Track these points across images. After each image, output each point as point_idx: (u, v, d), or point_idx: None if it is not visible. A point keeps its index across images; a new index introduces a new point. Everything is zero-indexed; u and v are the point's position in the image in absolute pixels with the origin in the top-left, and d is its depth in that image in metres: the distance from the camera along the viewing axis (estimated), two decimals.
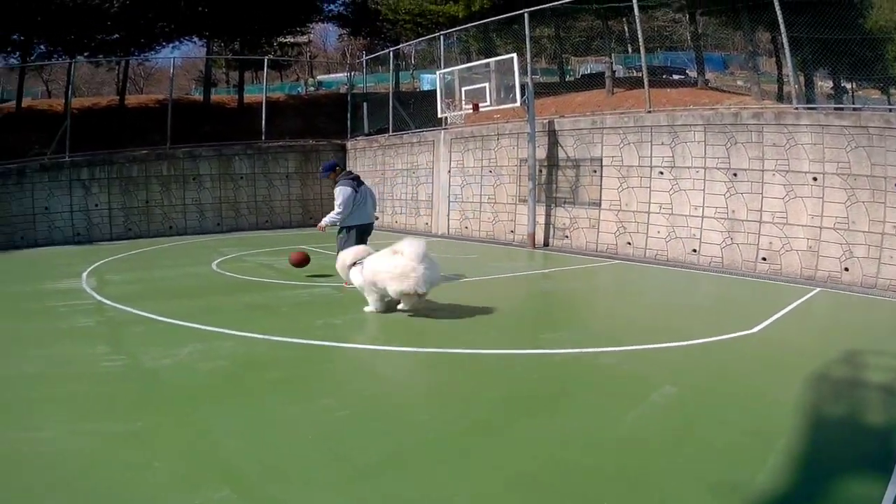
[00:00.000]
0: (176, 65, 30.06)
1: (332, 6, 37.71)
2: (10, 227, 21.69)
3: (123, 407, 5.89)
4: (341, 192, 11.10)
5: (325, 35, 58.72)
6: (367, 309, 9.33)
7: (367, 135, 25.66)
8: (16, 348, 8.18)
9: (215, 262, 15.42)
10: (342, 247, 10.96)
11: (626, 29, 24.93)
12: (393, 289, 8.73)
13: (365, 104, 26.88)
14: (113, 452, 4.87)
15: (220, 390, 6.38)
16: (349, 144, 26.01)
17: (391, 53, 28.09)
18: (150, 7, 29.73)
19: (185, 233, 23.03)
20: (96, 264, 15.91)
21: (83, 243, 21.92)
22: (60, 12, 27.94)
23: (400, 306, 9.15)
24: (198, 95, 43.49)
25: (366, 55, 31.60)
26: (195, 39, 37.65)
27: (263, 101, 26.56)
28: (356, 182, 11.37)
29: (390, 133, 23.99)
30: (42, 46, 34.03)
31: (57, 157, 22.88)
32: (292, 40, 39.65)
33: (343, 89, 39.47)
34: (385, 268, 8.82)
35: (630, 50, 26.54)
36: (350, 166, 24.24)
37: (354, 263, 9.42)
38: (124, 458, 4.74)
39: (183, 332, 8.70)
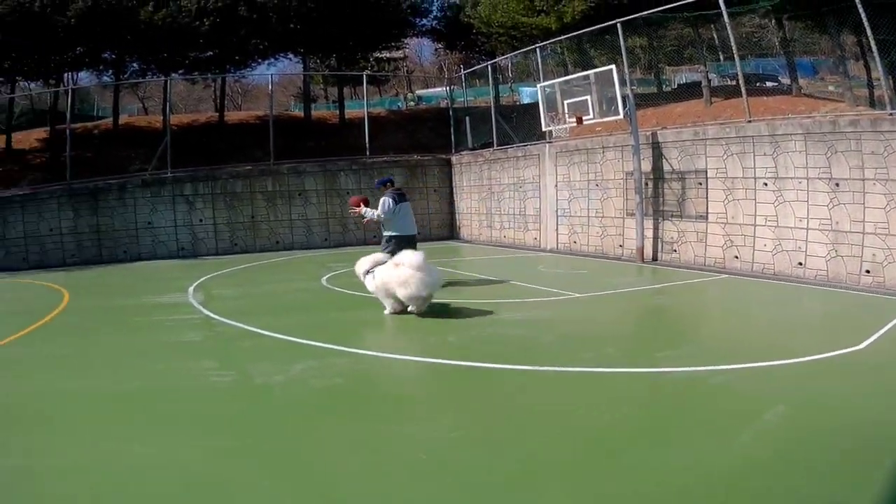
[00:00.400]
0: (273, 81, 30.64)
1: (424, 21, 38.35)
2: (112, 242, 23.08)
3: (232, 423, 6.21)
4: (383, 202, 13.36)
5: (420, 49, 59.37)
6: (385, 312, 11.09)
7: (471, 149, 26.40)
8: (123, 362, 8.78)
9: (325, 277, 16.00)
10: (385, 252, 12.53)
11: (716, 36, 24.70)
12: (401, 294, 10.57)
13: (467, 118, 27.44)
14: (220, 469, 5.14)
15: (334, 408, 6.64)
16: (454, 159, 26.97)
17: (489, 67, 28.50)
18: (242, 25, 31.17)
19: (292, 248, 24.10)
20: (202, 279, 16.82)
21: (188, 258, 23.11)
22: (150, 31, 29.56)
23: (410, 309, 10.85)
24: (297, 111, 44.44)
25: (463, 69, 32.30)
26: (290, 56, 39.03)
27: (365, 117, 27.55)
28: (400, 196, 13.76)
29: (495, 147, 24.59)
30: (135, 64, 35.76)
31: (159, 173, 24.19)
32: (388, 55, 40.25)
33: (443, 104, 40.22)
34: (391, 277, 10.62)
35: (721, 58, 26.28)
36: (456, 181, 26.51)
37: (368, 271, 11.16)
38: (231, 476, 4.99)
39: (295, 348, 9.09)
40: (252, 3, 30.74)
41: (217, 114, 39.40)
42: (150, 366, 8.41)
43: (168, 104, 30.37)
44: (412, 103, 48.44)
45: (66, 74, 37.60)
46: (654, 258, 17.04)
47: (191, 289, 14.95)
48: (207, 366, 8.30)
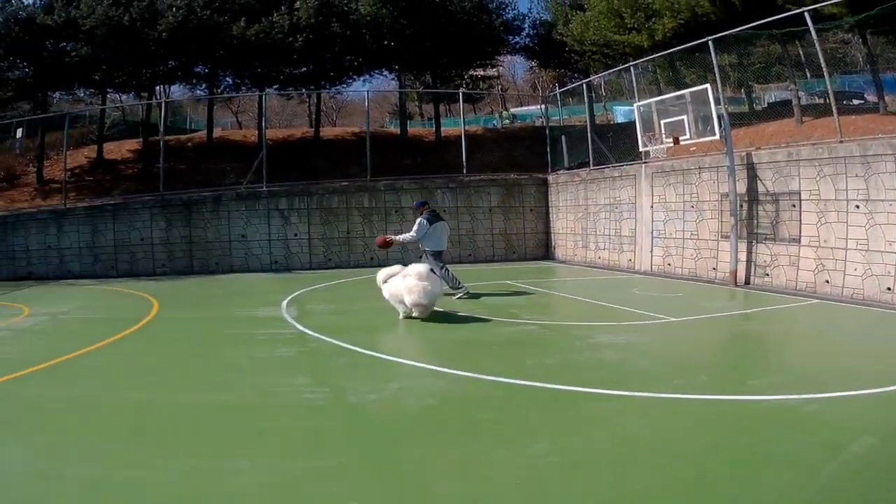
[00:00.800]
0: (369, 98, 31.13)
1: (517, 38, 39.03)
2: (204, 253, 24.28)
3: (324, 442, 6.29)
4: (419, 222, 15.71)
5: (513, 68, 59.74)
6: (400, 316, 12.86)
7: (567, 169, 27.00)
8: (213, 375, 9.14)
9: None
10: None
11: (801, 53, 24.50)
12: (407, 300, 12.28)
13: (563, 137, 28.18)
14: (310, 489, 5.23)
15: (428, 429, 6.66)
16: (550, 178, 27.55)
17: (585, 85, 29.23)
18: (335, 41, 32.29)
19: (386, 264, 23.26)
20: (296, 293, 17.36)
21: (281, 271, 24.11)
22: (243, 47, 30.86)
23: (414, 314, 12.40)
24: (393, 128, 44.90)
25: (557, 87, 32.74)
26: (385, 72, 40.05)
27: (462, 135, 28.17)
28: (434, 217, 16.15)
29: (591, 167, 24.90)
30: (228, 78, 37.11)
31: (254, 187, 25.27)
32: (483, 73, 40.32)
33: (537, 122, 40.60)
34: (401, 286, 12.43)
35: (808, 75, 26.04)
36: (552, 201, 27.10)
37: (385, 281, 13.04)
38: (322, 497, 5.09)
39: (390, 366, 9.31)
40: (345, 20, 31.93)
41: (312, 129, 40.62)
42: (242, 380, 8.71)
43: (263, 119, 31.46)
44: (507, 121, 48.93)
45: (158, 87, 39.49)
46: (747, 282, 17.06)
47: (284, 303, 15.44)
48: (301, 382, 8.47)
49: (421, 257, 16.01)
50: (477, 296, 16.22)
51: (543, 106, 34.32)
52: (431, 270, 12.85)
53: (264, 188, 25.06)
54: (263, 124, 31.04)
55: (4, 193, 31.96)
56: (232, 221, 24.43)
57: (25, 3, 31.93)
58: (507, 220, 26.48)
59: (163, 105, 32.49)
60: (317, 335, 11.45)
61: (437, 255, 16.07)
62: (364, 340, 10.72)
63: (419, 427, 6.71)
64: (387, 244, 16.82)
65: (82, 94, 41.63)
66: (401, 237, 16.15)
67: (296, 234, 24.78)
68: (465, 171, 27.04)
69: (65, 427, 6.93)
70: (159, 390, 8.32)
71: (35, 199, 30.35)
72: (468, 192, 26.09)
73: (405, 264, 13.07)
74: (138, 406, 7.59)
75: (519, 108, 54.94)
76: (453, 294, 15.72)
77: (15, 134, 41.44)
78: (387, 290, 12.99)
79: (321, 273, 22.46)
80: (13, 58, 32.37)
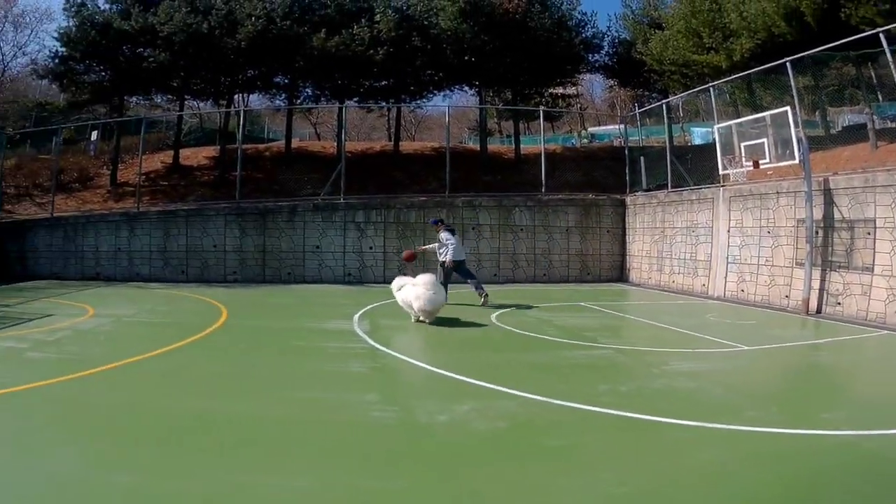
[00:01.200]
0: (450, 113, 31.35)
1: (597, 56, 39.18)
2: (278, 263, 24.96)
3: (391, 462, 6.22)
4: (445, 236, 17.92)
5: (591, 86, 59.88)
6: (412, 320, 14.81)
7: (645, 190, 27.23)
8: (280, 387, 9.14)
9: (494, 314, 16.38)
10: (441, 276, 17.17)
11: (874, 75, 24.31)
12: (415, 306, 14.28)
13: (642, 158, 28.39)
14: None
15: (495, 453, 6.51)
16: (628, 200, 27.68)
17: (664, 106, 29.64)
18: (416, 56, 32.98)
19: (460, 281, 23.80)
20: (369, 307, 17.67)
21: (353, 284, 24.81)
22: (323, 58, 31.55)
23: (421, 318, 14.47)
24: (472, 144, 45.45)
25: (637, 107, 33.07)
26: (465, 88, 40.78)
27: (542, 153, 28.43)
28: (451, 232, 18.32)
29: (669, 189, 25.14)
30: (308, 89, 37.95)
31: (331, 199, 25.89)
32: (562, 91, 40.41)
33: (616, 142, 40.69)
34: (411, 293, 14.42)
35: (880, 98, 25.80)
36: (629, 222, 27.11)
37: (399, 289, 15.01)
38: None
39: (461, 387, 9.11)
40: (426, 34, 32.64)
41: (391, 143, 41.38)
42: (310, 394, 8.71)
43: (343, 130, 32.29)
44: (585, 140, 49.25)
45: (237, 96, 40.94)
46: (818, 310, 16.98)
47: (356, 316, 15.67)
48: (370, 399, 8.39)
49: (441, 265, 18.20)
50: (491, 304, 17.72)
51: (622, 126, 34.49)
52: (439, 282, 15.30)
53: (342, 200, 25.66)
54: (343, 136, 31.79)
55: (77, 194, 33.30)
56: (307, 232, 25.18)
57: (101, 7, 33.49)
58: (584, 240, 26.60)
59: (241, 113, 33.42)
60: (388, 351, 11.61)
61: (460, 265, 18.26)
62: (436, 359, 11.01)
63: (488, 451, 6.59)
64: (413, 258, 18.87)
65: (159, 100, 43.01)
66: (430, 246, 19.16)
67: (371, 247, 25.23)
68: (543, 190, 27.27)
69: (117, 432, 7.03)
70: (220, 400, 8.41)
71: (107, 202, 31.70)
72: (546, 212, 26.34)
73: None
74: (196, 415, 7.69)
75: (597, 128, 55.69)
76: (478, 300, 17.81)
77: (90, 136, 42.84)
78: (400, 297, 15.02)
79: (386, 287, 21.99)
80: (90, 61, 33.67)
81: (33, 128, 40.83)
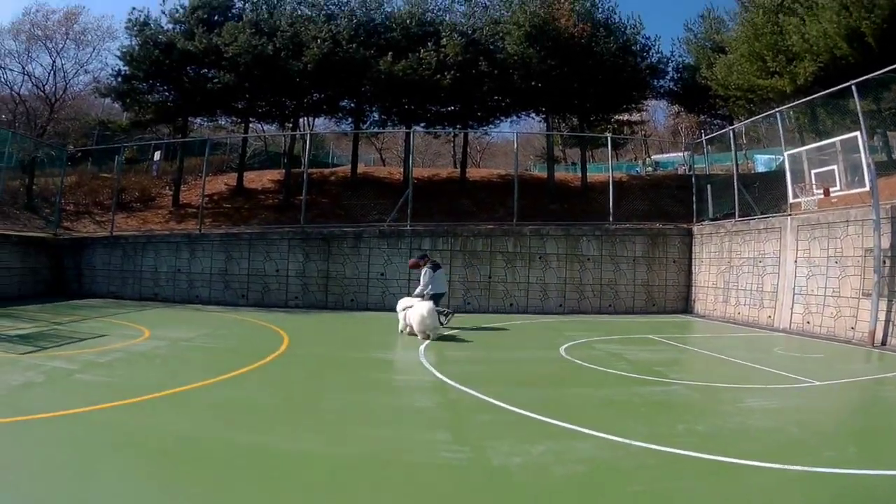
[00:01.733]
0: (518, 140, 31.43)
1: (661, 81, 38.74)
2: (341, 289, 24.89)
3: None
4: (425, 272, 19.00)
5: (654, 113, 59.64)
6: (404, 332, 17.37)
7: (712, 219, 26.84)
8: (343, 422, 8.74)
9: (563, 346, 15.92)
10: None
11: None
12: (414, 326, 16.76)
13: (709, 187, 27.98)
14: None
15: (576, 500, 6.24)
16: (695, 229, 27.24)
17: (731, 133, 29.22)
18: (483, 81, 32.63)
19: (525, 311, 25.12)
20: (433, 337, 17.17)
21: None
22: (390, 82, 31.52)
23: (419, 337, 16.47)
24: (538, 172, 45.34)
25: (703, 133, 32.52)
26: (532, 115, 40.78)
27: (610, 181, 28.39)
28: (435, 266, 19.36)
29: (736, 219, 24.79)
30: (374, 114, 37.93)
31: (397, 225, 25.71)
32: (627, 118, 40.30)
33: (680, 169, 40.37)
34: (412, 314, 16.93)
35: None
36: (695, 252, 26.69)
37: (404, 309, 17.50)
38: None
39: (534, 426, 8.66)
40: (492, 58, 32.38)
41: (458, 169, 41.30)
42: (375, 431, 8.25)
43: (411, 156, 32.13)
44: (650, 168, 48.78)
45: (302, 119, 40.96)
46: (884, 342, 16.66)
47: (422, 347, 15.22)
48: (440, 438, 7.96)
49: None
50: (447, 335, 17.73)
51: (686, 153, 34.31)
52: (434, 307, 17.29)
53: (408, 227, 25.50)
54: (410, 162, 31.58)
55: (138, 214, 33.70)
56: (372, 259, 25.11)
57: (165, 27, 33.90)
58: (650, 270, 26.28)
59: (307, 137, 33.70)
60: (457, 385, 11.02)
61: (438, 298, 18.97)
62: (506, 394, 10.20)
63: (566, 497, 6.27)
64: (417, 265, 20.07)
65: (223, 122, 43.50)
66: (417, 292, 19.15)
67: None
68: (611, 219, 27.10)
69: (166, 466, 6.79)
70: (279, 435, 8.00)
71: (168, 222, 31.97)
72: (613, 241, 26.06)
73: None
74: (253, 451, 7.27)
75: (660, 156, 55.37)
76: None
77: (153, 156, 43.58)
78: (402, 316, 17.54)
79: (459, 318, 21.23)
80: (153, 80, 34.13)
81: (95, 146, 41.44)
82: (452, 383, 11.27)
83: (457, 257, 25.28)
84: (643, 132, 52.64)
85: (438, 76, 31.38)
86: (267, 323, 19.59)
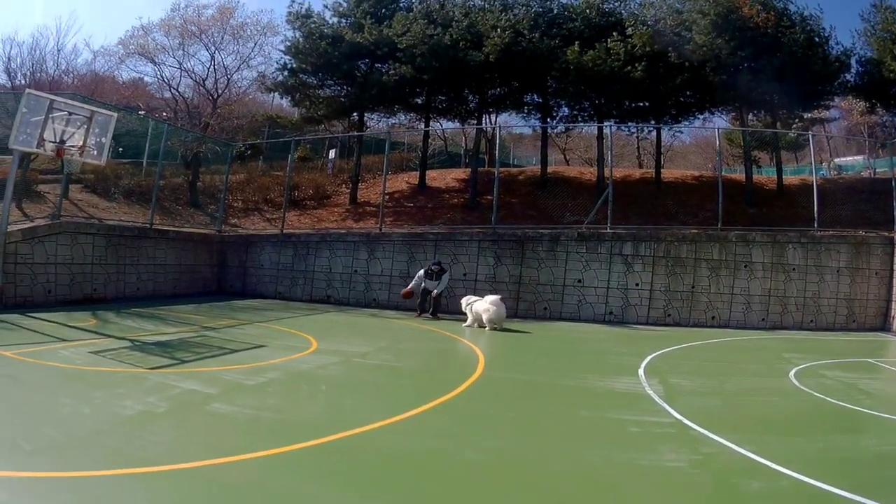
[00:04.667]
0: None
1: (848, 76, 34.49)
2: (533, 296, 22.41)
3: None
4: (446, 276, 20.87)
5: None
6: (473, 326, 18.75)
7: None
8: (578, 494, 6.18)
9: (791, 372, 13.10)
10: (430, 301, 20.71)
11: None
12: (485, 318, 18.22)
13: None
14: None
15: None
16: None
17: None
18: (674, 75, 29.95)
19: (727, 325, 22.06)
20: (649, 357, 14.39)
21: (614, 324, 21.64)
22: (579, 74, 29.12)
23: (487, 328, 18.29)
24: (730, 174, 43.14)
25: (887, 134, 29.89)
26: (722, 112, 37.66)
27: (814, 183, 25.61)
28: (443, 270, 20.97)
29: None
30: (564, 108, 35.36)
31: (596, 227, 23.03)
32: (816, 115, 38.03)
33: (865, 173, 38.18)
34: (480, 307, 18.45)
35: None
36: None
37: (469, 304, 18.93)
38: None
39: (821, 500, 6.06)
40: (680, 51, 29.62)
41: (650, 170, 39.19)
42: None
43: (611, 153, 29.37)
44: (834, 172, 46.46)
45: (484, 116, 38.08)
46: None
47: (641, 371, 12.52)
48: None
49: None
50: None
51: (867, 156, 32.10)
52: (500, 299, 18.69)
53: (608, 230, 22.92)
54: (608, 158, 29.30)
55: (312, 212, 32.25)
56: (569, 264, 22.68)
57: (329, 21, 32.32)
58: (854, 283, 22.97)
59: (497, 130, 31.97)
60: (703, 431, 8.17)
61: (426, 293, 20.96)
62: (764, 445, 7.57)
63: None
64: (410, 295, 21.28)
65: (401, 120, 42.04)
66: (437, 291, 20.90)
67: (637, 284, 22.40)
68: (816, 225, 23.84)
69: None
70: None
71: (345, 220, 30.38)
72: (818, 250, 23.01)
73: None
74: None
75: (839, 159, 51.33)
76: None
77: (327, 154, 42.79)
78: (470, 310, 18.83)
79: (661, 331, 19.75)
80: (322, 74, 32.64)
81: (265, 143, 40.45)
82: (696, 427, 8.34)
83: (659, 264, 22.53)
84: (825, 132, 50.50)
85: (629, 68, 29.00)
86: (454, 335, 17.08)
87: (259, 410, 8.39)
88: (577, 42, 29.15)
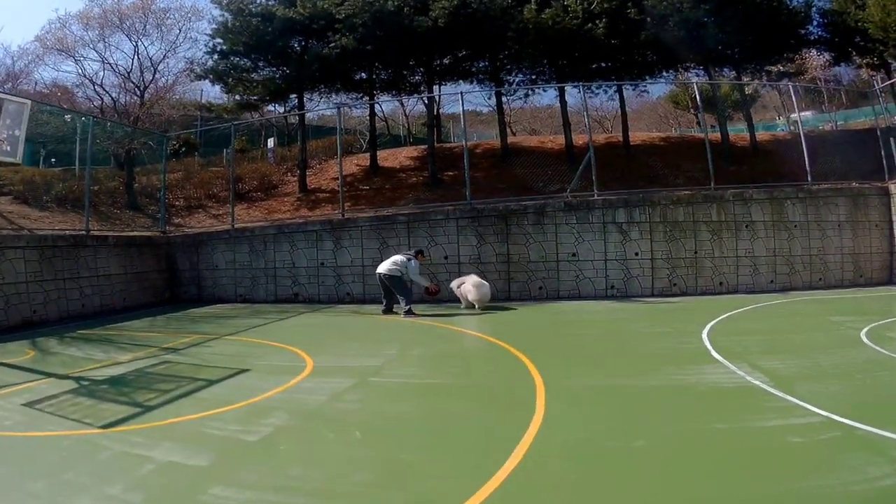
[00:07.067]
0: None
1: (811, 28, 34.15)
2: (525, 275, 20.61)
3: None
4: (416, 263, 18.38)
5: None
6: (462, 305, 18.35)
7: None
8: None
9: (861, 338, 11.27)
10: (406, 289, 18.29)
11: None
12: (470, 297, 17.92)
13: (893, 140, 24.18)
14: None
15: None
16: (892, 187, 22.82)
17: None
18: (636, 32, 28.71)
19: (736, 291, 20.64)
20: (704, 335, 12.16)
21: (618, 298, 19.79)
22: (538, 35, 27.70)
23: (476, 307, 17.96)
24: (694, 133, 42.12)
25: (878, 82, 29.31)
26: (683, 69, 36.84)
27: (801, 136, 24.62)
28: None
29: None
30: (519, 75, 34.13)
31: (584, 195, 21.14)
32: (780, 68, 36.89)
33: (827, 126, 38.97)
34: (467, 287, 18.10)
35: None
36: (894, 214, 22.47)
37: (458, 286, 18.50)
38: None
39: None
40: (640, 5, 28.37)
41: (614, 134, 39.36)
42: None
43: (586, 114, 28.32)
44: (793, 126, 46.01)
45: (435, 88, 36.08)
46: None
47: (717, 354, 10.22)
48: None
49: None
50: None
51: (882, 104, 31.17)
52: (481, 279, 18.39)
53: (596, 196, 21.06)
54: (587, 122, 27.75)
55: (260, 203, 30.22)
56: (560, 237, 20.61)
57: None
58: (856, 237, 22.12)
59: (461, 98, 29.65)
60: (869, 428, 6.28)
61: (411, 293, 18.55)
62: None
63: None
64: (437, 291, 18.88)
65: (343, 100, 40.06)
66: (426, 283, 18.71)
67: (637, 253, 20.58)
68: (809, 180, 22.91)
69: None
70: None
71: (299, 209, 28.34)
72: (817, 204, 21.91)
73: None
74: None
75: (794, 115, 51.50)
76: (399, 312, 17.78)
77: (266, 144, 40.77)
78: (458, 292, 18.41)
79: (677, 302, 18.32)
80: (255, 55, 30.44)
81: (202, 129, 38.12)
82: (857, 425, 6.40)
83: (657, 230, 20.58)
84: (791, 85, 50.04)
85: (589, 25, 27.33)
86: (460, 328, 14.61)
87: (285, 494, 5.36)
88: (532, 0, 27.44)
